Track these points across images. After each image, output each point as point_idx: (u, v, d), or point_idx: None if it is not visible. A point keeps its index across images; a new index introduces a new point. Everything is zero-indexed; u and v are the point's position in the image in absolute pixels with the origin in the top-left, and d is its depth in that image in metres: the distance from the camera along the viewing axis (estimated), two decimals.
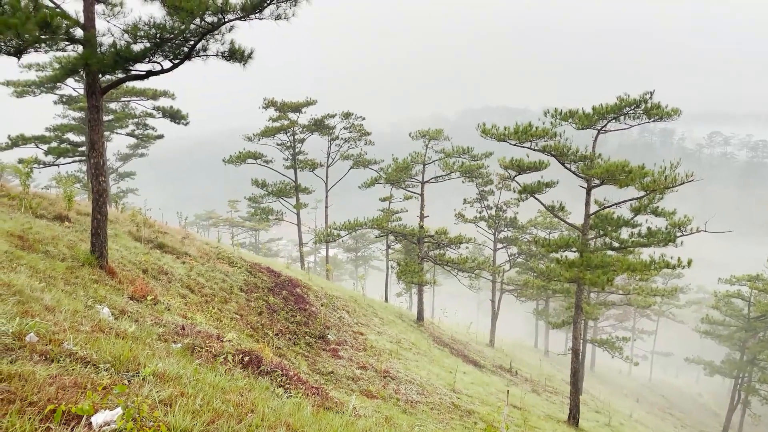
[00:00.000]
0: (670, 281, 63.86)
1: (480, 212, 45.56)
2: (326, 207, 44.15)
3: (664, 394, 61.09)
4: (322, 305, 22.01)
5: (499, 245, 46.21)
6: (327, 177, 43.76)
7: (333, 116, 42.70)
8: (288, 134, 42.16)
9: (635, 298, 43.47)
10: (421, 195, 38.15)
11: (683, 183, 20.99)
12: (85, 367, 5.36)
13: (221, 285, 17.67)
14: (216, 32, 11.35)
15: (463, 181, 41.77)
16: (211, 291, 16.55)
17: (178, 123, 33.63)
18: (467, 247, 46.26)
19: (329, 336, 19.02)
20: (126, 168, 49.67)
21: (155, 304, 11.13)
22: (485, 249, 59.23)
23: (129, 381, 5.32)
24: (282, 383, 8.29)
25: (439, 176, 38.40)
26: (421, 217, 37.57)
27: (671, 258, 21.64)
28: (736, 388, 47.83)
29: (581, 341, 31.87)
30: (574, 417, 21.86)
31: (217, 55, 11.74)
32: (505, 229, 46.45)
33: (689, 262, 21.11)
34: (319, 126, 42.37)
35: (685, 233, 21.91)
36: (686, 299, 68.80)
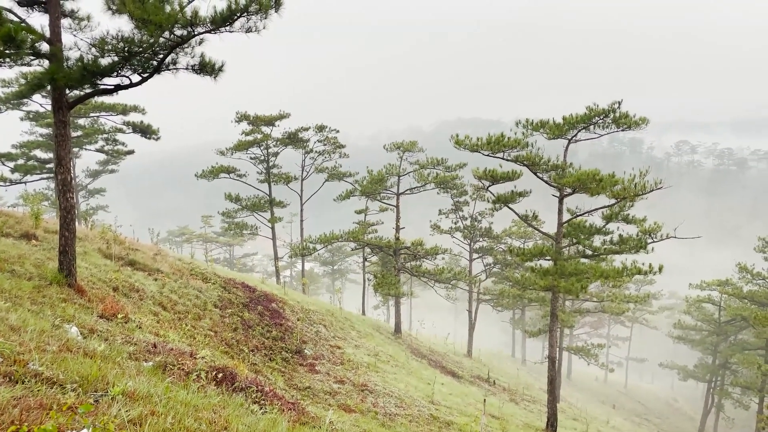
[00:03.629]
0: (643, 288, 64.79)
1: (455, 223, 45.79)
2: (301, 220, 43.94)
3: (640, 400, 61.78)
4: (298, 320, 21.81)
5: (475, 255, 46.43)
6: (302, 190, 43.58)
7: (307, 129, 42.64)
8: (261, 148, 41.93)
9: (609, 305, 44.03)
10: (397, 207, 38.21)
11: (652, 190, 21.40)
12: (51, 388, 5.20)
13: (195, 301, 17.39)
14: (185, 45, 11.27)
15: (438, 192, 41.99)
16: (184, 308, 16.28)
17: (149, 138, 33.21)
18: (443, 258, 46.49)
19: (306, 351, 18.83)
20: (96, 184, 48.81)
21: (126, 323, 10.89)
22: (461, 259, 59.49)
23: (97, 401, 5.17)
24: (257, 399, 8.15)
25: (414, 188, 38.55)
26: (397, 228, 37.61)
27: (643, 264, 21.99)
28: (709, 392, 48.60)
29: (557, 349, 32.09)
30: (552, 425, 21.94)
31: (187, 69, 11.65)
32: (481, 239, 46.71)
33: (660, 268, 21.48)
34: (293, 139, 42.25)
35: (655, 240, 22.30)
36: (659, 305, 69.89)
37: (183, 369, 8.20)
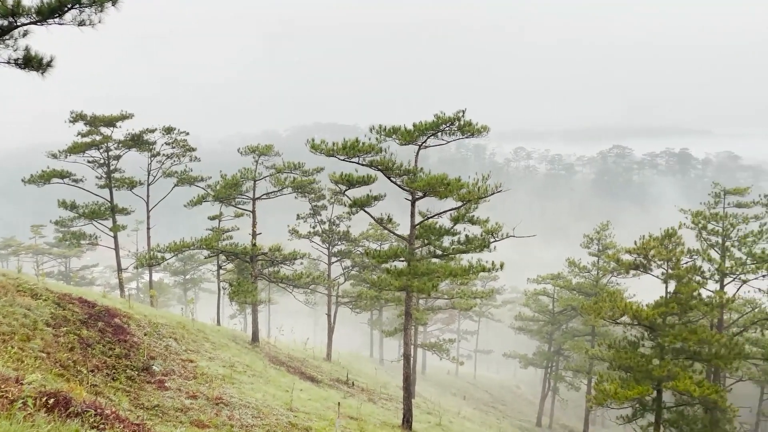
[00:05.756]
0: (488, 284, 69.53)
1: (314, 227, 45.77)
2: (148, 228, 41.26)
3: (487, 390, 66.18)
4: (145, 334, 20.43)
5: (334, 259, 46.77)
6: (148, 196, 40.92)
7: (153, 131, 40.15)
8: (101, 150, 38.71)
9: (459, 302, 46.57)
10: (253, 212, 37.33)
11: (494, 193, 23.11)
12: None
13: (22, 321, 15.59)
14: (7, 37, 10.09)
15: (295, 197, 41.67)
16: (9, 329, 14.52)
17: None
18: (302, 263, 46.14)
19: (154, 367, 17.69)
20: None
21: None
22: (320, 264, 59.58)
23: None
24: (95, 424, 7.50)
25: (271, 192, 37.93)
26: (254, 234, 36.74)
27: (487, 262, 23.61)
28: (546, 377, 53.43)
29: (412, 347, 33.32)
30: (407, 421, 22.75)
31: (9, 62, 10.44)
32: (339, 243, 47.15)
33: (502, 265, 23.22)
34: (137, 141, 39.54)
35: (497, 239, 24.04)
36: (502, 299, 75.45)
37: (6, 397, 7.31)
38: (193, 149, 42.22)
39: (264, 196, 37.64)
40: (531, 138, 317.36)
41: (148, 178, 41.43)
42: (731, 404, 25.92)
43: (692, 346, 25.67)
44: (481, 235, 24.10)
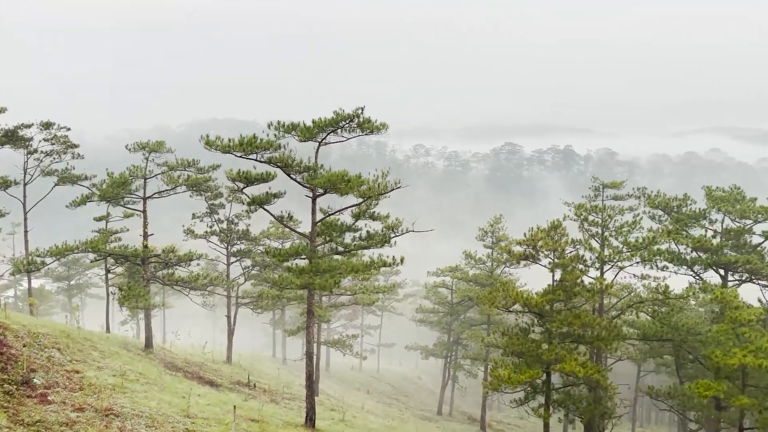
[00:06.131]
0: (390, 278, 70.66)
1: (211, 227, 44.24)
2: (26, 231, 38.13)
3: (390, 382, 67.31)
4: (24, 346, 18.87)
5: (233, 259, 45.50)
6: (25, 196, 37.76)
7: (29, 126, 37.08)
8: None
9: (362, 297, 46.97)
10: (144, 212, 35.55)
11: (393, 189, 23.51)
12: None
13: None
14: None
15: (191, 195, 40.08)
16: None
17: None
18: (198, 264, 44.54)
19: (35, 380, 16.39)
20: None
21: None
22: (219, 264, 57.80)
23: None
24: None
25: (164, 191, 36.26)
26: (145, 235, 34.99)
27: (388, 257, 24.02)
28: (446, 366, 55.18)
29: (315, 344, 33.22)
30: (310, 419, 22.66)
31: None
32: (238, 242, 45.92)
33: (402, 259, 23.76)
34: (11, 138, 36.35)
35: (397, 234, 24.50)
36: (404, 293, 76.94)
37: None
38: (76, 146, 39.45)
39: (156, 195, 35.94)
40: (429, 136, 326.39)
41: (25, 177, 38.25)
42: (611, 382, 28.13)
43: (577, 330, 27.54)
44: (382, 231, 24.45)
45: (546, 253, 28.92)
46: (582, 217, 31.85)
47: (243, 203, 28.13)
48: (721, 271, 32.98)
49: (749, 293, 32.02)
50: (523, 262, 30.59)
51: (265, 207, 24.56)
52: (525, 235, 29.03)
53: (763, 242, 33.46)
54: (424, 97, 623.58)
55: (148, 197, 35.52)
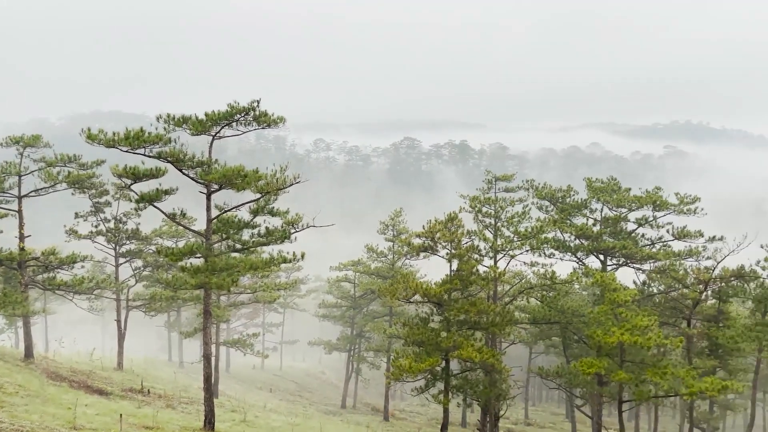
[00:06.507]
0: (292, 274, 69.91)
1: (96, 226, 41.43)
2: None
3: (294, 379, 66.69)
4: None
5: (122, 260, 42.97)
6: None
7: None
8: None
9: (262, 295, 46.09)
10: (19, 212, 32.79)
11: (292, 184, 23.26)
12: None
13: None
14: None
15: (73, 193, 37.42)
16: None
17: None
18: (83, 266, 41.68)
19: None
20: None
21: None
22: (106, 266, 54.47)
23: None
24: None
25: (41, 189, 33.60)
26: (21, 237, 32.31)
27: (288, 253, 23.77)
28: (349, 360, 55.52)
29: (213, 345, 32.24)
30: (209, 422, 21.97)
31: None
32: (128, 242, 43.41)
33: (303, 255, 23.59)
34: None
35: (298, 229, 24.28)
36: (306, 289, 76.43)
37: None
38: None
39: (33, 194, 33.28)
40: (330, 130, 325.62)
41: None
42: (505, 365, 29.58)
43: (473, 317, 28.71)
44: (282, 227, 24.14)
45: (444, 244, 29.86)
46: (476, 208, 33.16)
47: (131, 201, 26.55)
48: (601, 257, 35.67)
49: (626, 276, 34.92)
50: (422, 254, 31.39)
51: (156, 204, 23.41)
52: (424, 228, 29.79)
53: (636, 229, 36.59)
54: (324, 92, 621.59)
55: (24, 196, 32.81)
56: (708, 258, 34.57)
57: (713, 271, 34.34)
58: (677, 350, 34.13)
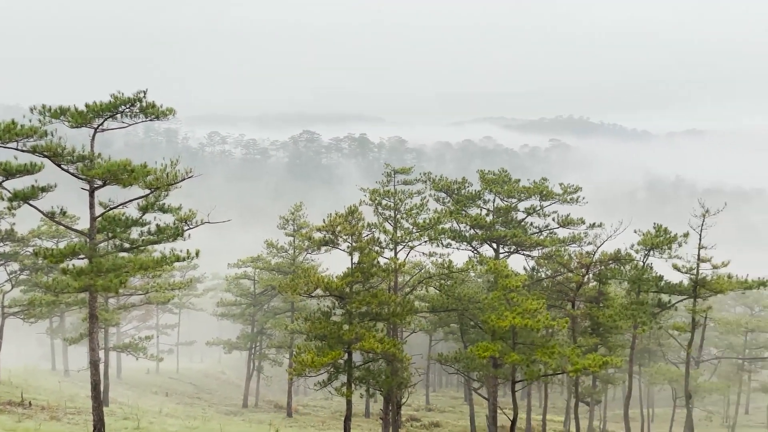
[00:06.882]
0: (188, 273, 67.07)
1: None
2: None
3: (192, 381, 64.25)
4: None
5: None
6: None
7: None
8: None
9: (155, 295, 43.95)
10: None
11: (184, 179, 22.33)
12: None
13: None
14: None
15: None
16: None
17: None
18: None
19: None
20: None
21: None
22: None
23: None
24: None
25: None
26: None
27: (181, 251, 22.81)
28: (251, 358, 54.37)
29: (102, 351, 30.37)
30: None
31: None
32: (2, 244, 39.85)
33: (197, 253, 22.72)
34: None
35: (191, 226, 23.37)
36: (203, 287, 73.67)
37: None
38: None
39: None
40: (225, 123, 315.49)
41: None
42: (406, 354, 30.22)
43: (374, 309, 29.03)
44: (174, 224, 23.16)
45: (345, 237, 29.91)
46: (376, 201, 33.54)
47: (3, 199, 24.17)
48: (494, 245, 37.34)
49: (517, 263, 36.79)
50: (323, 248, 31.30)
51: (32, 202, 21.58)
52: (324, 222, 29.66)
53: (525, 218, 38.63)
54: (219, 86, 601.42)
55: None
56: (589, 243, 37.17)
57: (594, 255, 36.97)
58: (563, 330, 36.42)
